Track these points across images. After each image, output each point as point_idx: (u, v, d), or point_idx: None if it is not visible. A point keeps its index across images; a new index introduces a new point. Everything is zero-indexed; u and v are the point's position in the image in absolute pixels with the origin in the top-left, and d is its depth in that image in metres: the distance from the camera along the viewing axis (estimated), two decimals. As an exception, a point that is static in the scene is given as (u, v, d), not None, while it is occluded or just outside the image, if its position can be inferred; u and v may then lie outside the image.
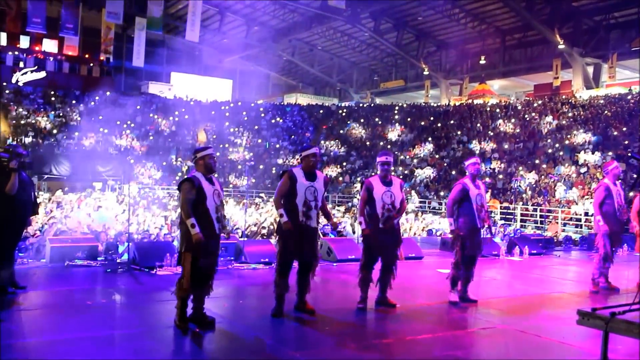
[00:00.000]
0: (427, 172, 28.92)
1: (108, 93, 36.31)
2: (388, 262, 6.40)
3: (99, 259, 9.10)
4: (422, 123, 35.85)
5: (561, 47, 32.46)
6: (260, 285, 7.91)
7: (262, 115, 40.02)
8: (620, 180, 8.41)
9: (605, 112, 27.91)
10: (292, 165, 31.49)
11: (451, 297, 6.76)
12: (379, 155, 6.63)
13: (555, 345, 5.21)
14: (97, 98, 35.06)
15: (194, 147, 25.04)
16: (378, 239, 6.30)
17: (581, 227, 19.57)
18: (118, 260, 9.13)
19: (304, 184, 5.84)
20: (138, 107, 35.90)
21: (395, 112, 38.97)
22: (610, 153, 23.46)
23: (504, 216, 21.76)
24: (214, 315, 5.49)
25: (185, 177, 5.55)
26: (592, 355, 4.56)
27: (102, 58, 40.86)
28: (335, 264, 9.71)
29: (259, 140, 35.86)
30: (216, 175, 5.83)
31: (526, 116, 31.25)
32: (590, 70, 33.89)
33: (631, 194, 8.01)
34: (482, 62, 39.26)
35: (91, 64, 40.31)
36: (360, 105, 44.71)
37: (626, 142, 23.76)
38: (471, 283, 6.91)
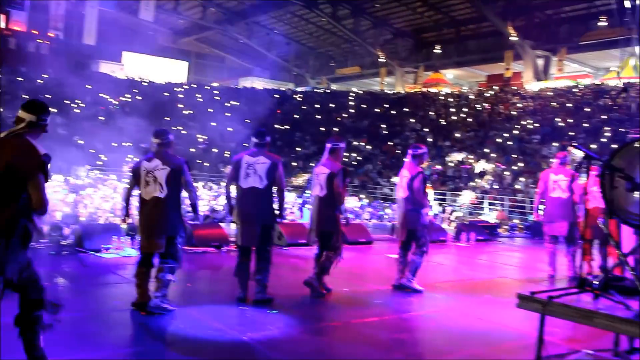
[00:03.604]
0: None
1: (57, 71, 35.13)
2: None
3: (42, 240, 8.86)
4: (377, 110, 36.13)
5: (513, 39, 33.17)
6: (209, 269, 7.88)
7: (217, 98, 39.53)
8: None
9: (553, 103, 28.74)
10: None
11: (415, 285, 6.76)
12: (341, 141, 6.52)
13: (496, 328, 5.37)
14: (45, 76, 33.92)
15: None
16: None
17: (526, 215, 20.14)
18: (63, 243, 8.91)
19: None
20: (88, 86, 34.90)
21: (351, 98, 39.12)
22: (555, 144, 24.19)
23: (452, 202, 22.19)
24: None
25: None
26: (530, 337, 4.72)
27: (51, 35, 39.47)
28: (285, 248, 9.78)
29: (213, 124, 35.42)
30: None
31: (477, 106, 31.89)
32: (540, 62, 34.79)
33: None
34: (437, 51, 39.77)
35: (39, 41, 38.89)
36: (316, 90, 44.69)
37: (572, 134, 24.52)
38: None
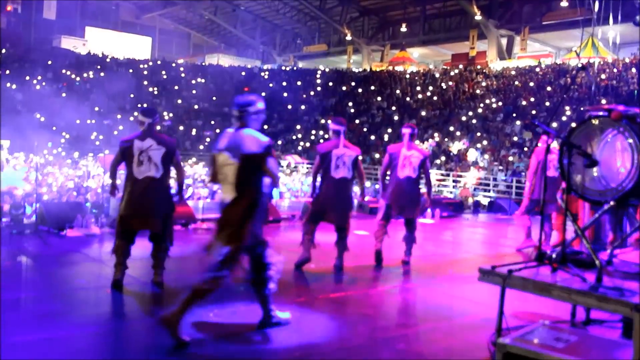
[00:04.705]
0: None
1: (16, 47, 34.06)
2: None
3: (3, 219, 8.69)
4: (344, 88, 36.11)
5: (478, 18, 33.42)
6: (177, 247, 7.82)
7: (183, 75, 38.92)
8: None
9: (516, 82, 29.14)
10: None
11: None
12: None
13: (458, 302, 5.51)
14: (3, 52, 32.84)
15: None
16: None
17: (490, 192, 20.50)
18: (25, 221, 8.75)
19: None
20: (49, 62, 33.97)
21: (318, 76, 38.98)
22: (518, 122, 24.58)
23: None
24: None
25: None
26: (491, 311, 4.85)
27: (8, 8, 38.13)
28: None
29: (179, 101, 34.89)
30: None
31: (443, 84, 32.13)
32: (503, 41, 35.18)
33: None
34: (403, 30, 39.80)
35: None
36: (283, 68, 44.38)
37: (534, 112, 24.94)
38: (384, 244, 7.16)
